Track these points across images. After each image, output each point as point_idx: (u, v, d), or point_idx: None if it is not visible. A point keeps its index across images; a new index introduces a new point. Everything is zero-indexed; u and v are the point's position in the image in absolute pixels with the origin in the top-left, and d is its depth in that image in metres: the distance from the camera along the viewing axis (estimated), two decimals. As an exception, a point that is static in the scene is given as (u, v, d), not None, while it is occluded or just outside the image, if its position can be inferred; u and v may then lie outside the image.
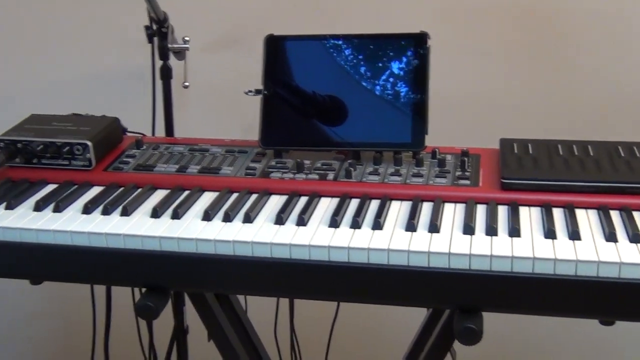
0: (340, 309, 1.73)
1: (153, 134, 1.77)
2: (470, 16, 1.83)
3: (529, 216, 1.23)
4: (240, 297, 1.56)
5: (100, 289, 1.69)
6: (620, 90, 1.81)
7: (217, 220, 1.25)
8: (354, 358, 2.09)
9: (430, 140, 1.40)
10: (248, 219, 1.24)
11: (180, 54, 1.70)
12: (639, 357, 2.08)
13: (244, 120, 1.97)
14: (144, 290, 1.25)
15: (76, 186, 1.39)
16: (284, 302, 1.67)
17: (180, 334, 1.86)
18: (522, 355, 2.15)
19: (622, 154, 1.35)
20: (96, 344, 1.79)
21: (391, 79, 1.41)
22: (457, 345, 1.22)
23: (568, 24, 1.80)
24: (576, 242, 1.14)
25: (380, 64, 1.42)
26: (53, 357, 2.38)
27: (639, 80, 1.80)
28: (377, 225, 1.20)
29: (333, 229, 1.21)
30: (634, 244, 1.13)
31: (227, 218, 1.25)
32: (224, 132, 1.91)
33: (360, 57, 1.43)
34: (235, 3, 1.92)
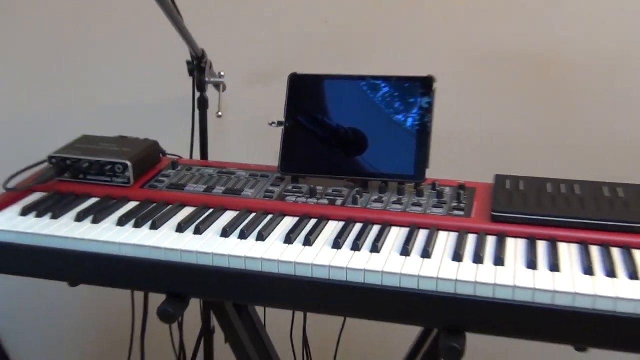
0: (348, 321, 1.70)
1: (191, 156, 1.77)
2: (472, 61, 1.80)
3: (515, 247, 1.19)
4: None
5: (139, 294, 1.71)
6: (610, 133, 1.76)
7: (234, 237, 1.24)
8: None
9: (433, 173, 1.37)
10: (261, 237, 1.23)
11: (217, 86, 1.70)
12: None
13: (271, 148, 1.97)
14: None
15: (115, 201, 1.39)
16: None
17: (207, 333, 1.86)
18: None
19: (606, 194, 1.30)
20: (134, 341, 1.79)
21: (400, 117, 1.39)
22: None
23: (563, 71, 1.76)
24: (555, 273, 1.10)
25: (391, 103, 1.40)
26: (96, 349, 2.39)
27: (630, 125, 1.75)
28: (375, 248, 1.18)
29: (335, 250, 1.19)
30: (609, 279, 1.09)
31: (243, 236, 1.24)
32: (254, 157, 1.91)
33: (374, 96, 1.41)
34: (268, 45, 1.93)
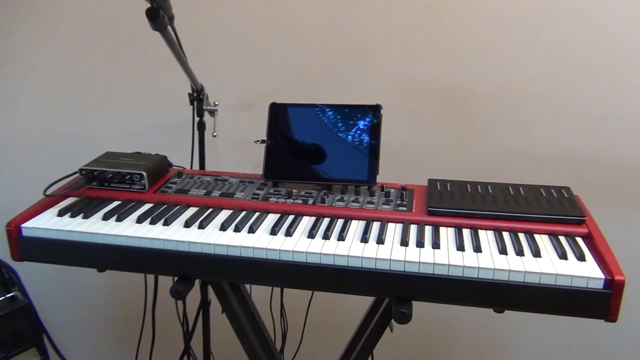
0: (315, 293, 1.67)
1: (191, 167, 1.71)
2: (406, 92, 1.79)
3: (447, 234, 1.18)
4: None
5: (150, 276, 1.64)
6: (511, 145, 1.78)
7: (230, 231, 1.19)
8: (325, 327, 2.02)
9: (381, 178, 1.35)
10: (252, 230, 1.19)
11: (212, 113, 1.65)
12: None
13: (254, 159, 1.92)
14: (175, 278, 1.19)
15: (133, 203, 1.33)
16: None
17: (204, 305, 1.79)
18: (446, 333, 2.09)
19: (511, 192, 1.30)
20: (146, 313, 1.72)
21: (356, 134, 1.36)
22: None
23: (473, 99, 1.77)
24: (478, 254, 1.09)
25: (349, 124, 1.37)
26: (115, 320, 2.31)
27: (524, 139, 1.77)
28: (341, 237, 1.15)
29: (310, 239, 1.15)
30: (518, 257, 1.08)
31: (237, 229, 1.19)
32: (241, 167, 1.87)
33: (336, 118, 1.38)
34: (253, 80, 1.88)
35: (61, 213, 1.27)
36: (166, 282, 1.62)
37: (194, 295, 1.73)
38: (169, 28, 1.20)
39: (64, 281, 2.22)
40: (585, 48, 1.68)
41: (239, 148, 1.93)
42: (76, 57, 1.97)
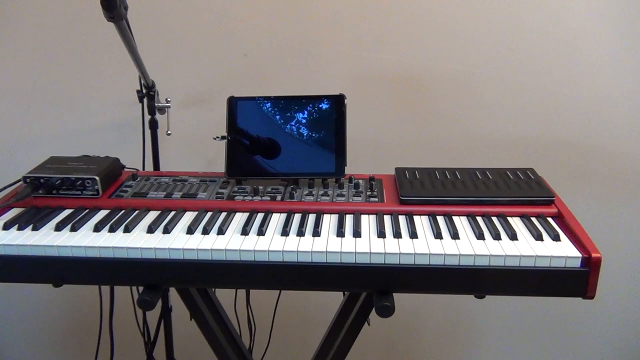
0: (283, 293, 1.62)
1: (143, 168, 1.62)
2: (370, 82, 1.76)
3: (422, 223, 1.16)
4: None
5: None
6: (470, 130, 1.79)
7: (198, 234, 1.12)
8: (293, 325, 1.98)
9: (348, 169, 1.32)
10: (221, 231, 1.12)
11: (163, 110, 1.56)
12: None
13: (208, 156, 1.84)
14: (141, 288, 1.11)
15: (87, 210, 1.23)
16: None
17: (166, 312, 1.71)
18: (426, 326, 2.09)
19: (479, 177, 1.30)
20: (102, 325, 1.61)
21: (320, 126, 1.32)
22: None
23: (430, 87, 1.76)
24: (457, 240, 1.08)
25: (313, 116, 1.32)
26: (69, 333, 2.17)
27: (480, 124, 1.79)
28: (316, 233, 1.11)
29: (284, 237, 1.10)
30: (496, 241, 1.08)
31: (205, 231, 1.12)
32: (194, 165, 1.79)
33: (298, 110, 1.33)
34: (203, 74, 1.80)
35: (6, 226, 1.16)
36: (122, 289, 1.54)
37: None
38: (127, 19, 1.11)
39: (11, 294, 2.06)
40: (541, 28, 1.70)
41: (190, 145, 1.85)
42: (9, 52, 1.81)
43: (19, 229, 1.15)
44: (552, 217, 1.18)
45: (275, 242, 1.08)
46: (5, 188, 1.28)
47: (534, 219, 1.16)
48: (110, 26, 1.19)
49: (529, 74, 1.73)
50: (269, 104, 1.34)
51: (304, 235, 1.11)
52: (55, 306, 2.08)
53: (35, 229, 1.15)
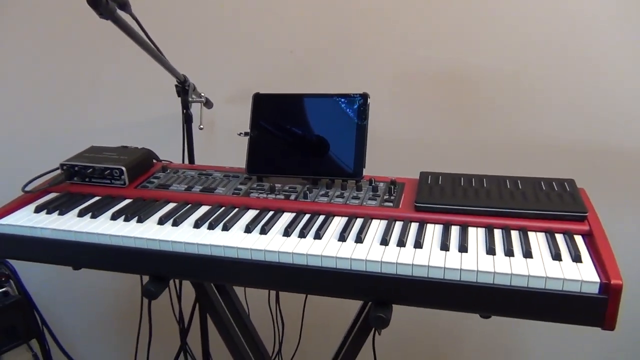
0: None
1: (182, 161, 1.66)
2: (400, 80, 1.68)
3: (433, 232, 1.09)
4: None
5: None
6: (509, 135, 1.66)
7: (204, 228, 1.13)
8: (323, 329, 1.94)
9: (371, 171, 1.27)
10: (226, 228, 1.13)
11: (198, 105, 1.59)
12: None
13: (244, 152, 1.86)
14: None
15: (113, 199, 1.29)
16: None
17: (199, 301, 1.75)
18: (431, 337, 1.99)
19: (508, 186, 1.20)
20: (143, 310, 1.68)
21: (342, 125, 1.28)
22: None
23: (471, 86, 1.65)
24: (463, 254, 1.00)
25: (334, 114, 1.29)
26: (114, 318, 2.29)
27: (524, 128, 1.65)
28: (318, 236, 1.08)
29: (285, 237, 1.08)
30: (507, 258, 0.99)
31: (211, 227, 1.13)
32: (238, 161, 1.80)
33: (321, 109, 1.30)
34: (242, 73, 1.81)
35: (38, 209, 1.24)
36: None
37: (192, 291, 1.69)
38: (118, 14, 1.12)
39: (62, 276, 2.21)
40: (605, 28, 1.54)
41: (236, 141, 1.87)
42: (64, 50, 1.93)
43: (48, 212, 1.23)
44: (582, 235, 1.06)
45: (274, 242, 1.06)
46: (45, 174, 1.36)
47: (558, 236, 1.05)
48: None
49: (584, 76, 1.56)
50: (292, 101, 1.32)
51: (305, 237, 1.08)
52: (101, 287, 2.20)
53: (61, 213, 1.22)
